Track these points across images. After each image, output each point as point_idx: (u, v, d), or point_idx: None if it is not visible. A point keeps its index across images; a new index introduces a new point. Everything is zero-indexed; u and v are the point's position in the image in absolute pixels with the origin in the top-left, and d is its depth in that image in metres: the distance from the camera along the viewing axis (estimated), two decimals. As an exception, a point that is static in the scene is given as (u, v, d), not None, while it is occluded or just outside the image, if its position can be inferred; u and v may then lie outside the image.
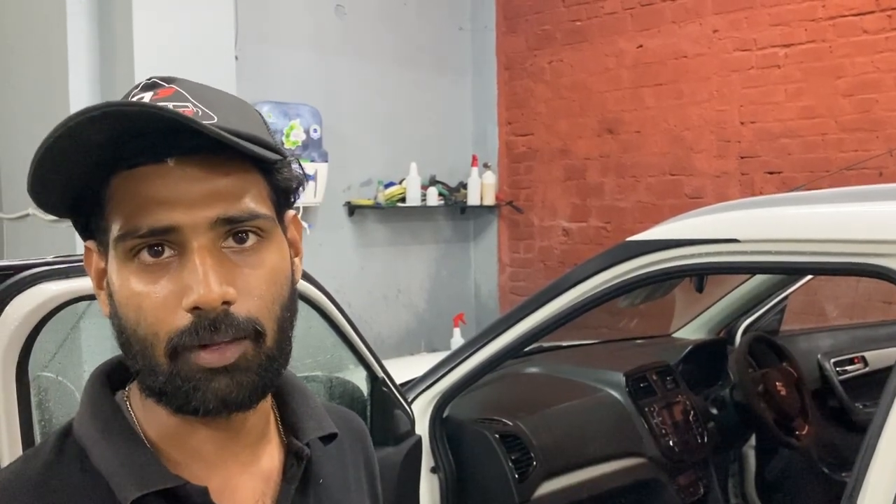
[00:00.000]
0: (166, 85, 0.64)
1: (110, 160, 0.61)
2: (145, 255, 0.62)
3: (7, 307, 1.05)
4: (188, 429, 0.66)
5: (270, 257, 0.65)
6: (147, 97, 0.63)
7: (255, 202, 0.64)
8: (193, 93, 0.64)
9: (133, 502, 0.62)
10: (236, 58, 3.29)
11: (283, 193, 0.68)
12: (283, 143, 3.60)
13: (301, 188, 0.70)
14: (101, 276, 0.67)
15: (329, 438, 0.75)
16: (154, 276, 0.62)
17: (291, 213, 0.71)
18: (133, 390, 0.69)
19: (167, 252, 0.62)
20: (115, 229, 0.62)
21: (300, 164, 0.70)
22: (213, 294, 0.60)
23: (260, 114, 0.70)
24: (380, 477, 0.89)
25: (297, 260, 0.71)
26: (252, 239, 0.64)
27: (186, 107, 0.62)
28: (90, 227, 0.66)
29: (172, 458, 0.67)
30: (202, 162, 0.62)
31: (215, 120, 0.61)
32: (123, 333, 0.64)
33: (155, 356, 0.62)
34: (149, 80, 0.65)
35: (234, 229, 0.63)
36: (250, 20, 3.79)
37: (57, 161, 0.59)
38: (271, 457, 0.72)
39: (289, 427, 0.74)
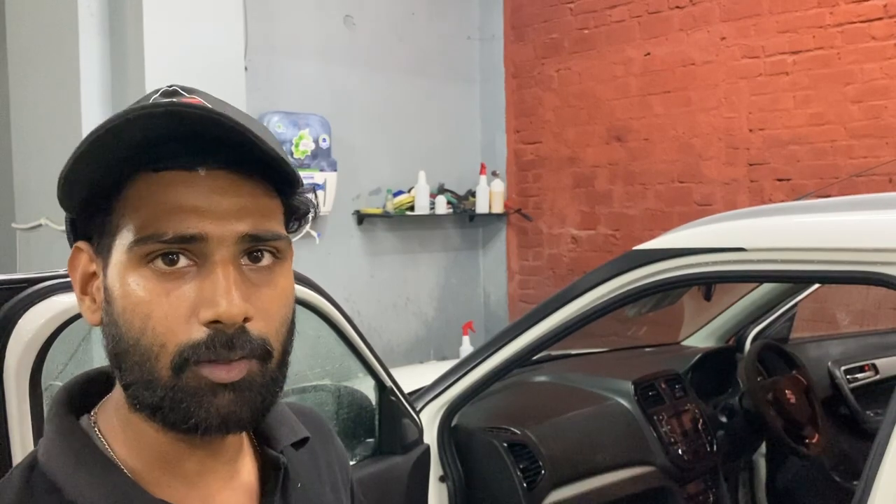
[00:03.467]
0: (187, 95, 0.63)
1: (136, 160, 0.60)
2: (160, 263, 0.60)
3: (21, 319, 1.06)
4: (170, 448, 0.64)
5: (283, 279, 0.65)
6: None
7: (275, 222, 0.64)
8: (217, 106, 0.62)
9: None
10: (246, 68, 3.32)
11: (291, 218, 0.68)
12: (291, 153, 3.58)
13: (313, 215, 0.70)
14: (88, 280, 0.65)
15: (301, 443, 0.74)
16: (167, 285, 0.60)
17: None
18: (103, 412, 0.66)
19: (183, 261, 0.60)
20: (128, 232, 0.60)
21: (315, 192, 0.70)
22: (235, 309, 0.59)
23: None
24: (388, 485, 0.90)
25: None
26: (267, 259, 0.63)
27: (228, 116, 0.60)
28: (90, 226, 0.63)
29: (152, 479, 0.64)
30: (230, 175, 0.61)
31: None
32: (121, 342, 0.61)
33: (156, 368, 0.59)
34: (169, 87, 0.64)
35: (255, 247, 0.62)
36: (259, 31, 3.83)
37: (97, 154, 0.58)
38: (249, 469, 0.70)
39: (260, 435, 0.72)
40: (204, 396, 0.60)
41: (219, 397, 0.60)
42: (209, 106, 0.60)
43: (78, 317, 1.09)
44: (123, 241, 0.60)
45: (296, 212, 0.68)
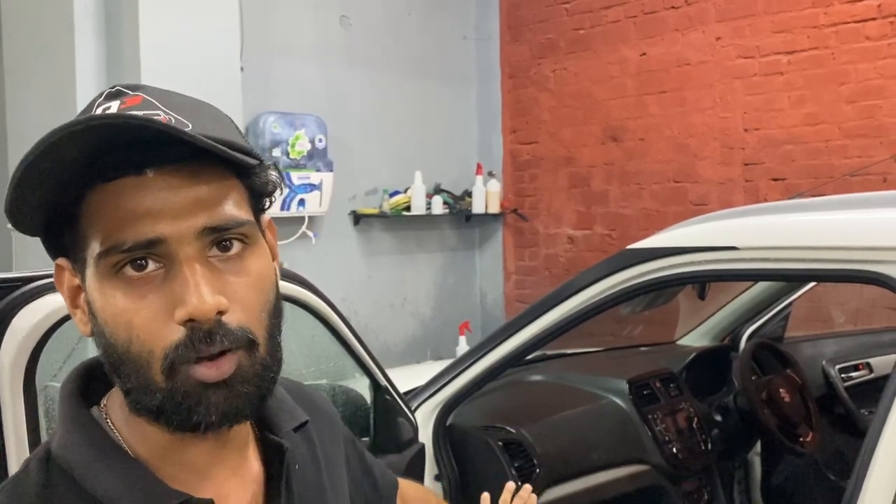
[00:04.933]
0: (132, 93, 0.62)
1: (85, 175, 0.59)
2: (129, 270, 0.60)
3: (15, 318, 1.07)
4: (180, 443, 0.64)
5: (256, 264, 0.64)
6: (114, 106, 0.61)
7: (237, 208, 0.63)
8: (162, 100, 0.62)
9: None
10: (242, 69, 3.32)
11: (260, 198, 0.67)
12: (287, 153, 3.59)
13: (279, 192, 0.69)
14: (76, 294, 0.65)
15: (300, 426, 0.76)
16: (140, 290, 0.60)
17: (267, 217, 0.70)
18: (112, 406, 0.67)
19: (151, 265, 0.60)
20: (94, 245, 0.60)
21: (277, 168, 0.69)
22: (206, 305, 0.59)
23: (229, 117, 0.68)
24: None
25: (274, 264, 0.70)
26: (236, 246, 0.63)
27: (158, 115, 0.60)
28: (62, 244, 0.64)
29: (165, 472, 0.65)
30: (181, 171, 0.60)
31: (190, 127, 0.60)
32: (114, 352, 0.61)
33: (150, 374, 0.60)
34: (112, 88, 0.64)
35: (220, 237, 0.62)
36: (256, 31, 3.83)
37: (35, 180, 0.57)
38: (253, 456, 0.72)
39: (261, 421, 0.74)
40: (200, 396, 0.60)
41: (214, 395, 0.61)
42: (137, 110, 0.59)
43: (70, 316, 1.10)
44: (92, 254, 0.61)
45: (261, 191, 0.67)
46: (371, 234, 4.53)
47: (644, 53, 4.30)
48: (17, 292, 1.09)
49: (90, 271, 0.62)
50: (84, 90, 3.06)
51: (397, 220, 4.54)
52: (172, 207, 0.60)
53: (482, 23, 4.97)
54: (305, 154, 3.95)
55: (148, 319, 0.60)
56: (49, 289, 1.10)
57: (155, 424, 0.62)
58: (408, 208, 4.49)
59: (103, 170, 0.60)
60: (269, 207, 0.69)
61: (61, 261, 0.65)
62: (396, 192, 4.50)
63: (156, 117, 0.59)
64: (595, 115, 4.51)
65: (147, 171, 0.60)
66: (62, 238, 0.63)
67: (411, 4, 4.66)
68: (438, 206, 4.59)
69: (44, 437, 1.11)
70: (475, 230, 5.03)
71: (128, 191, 0.60)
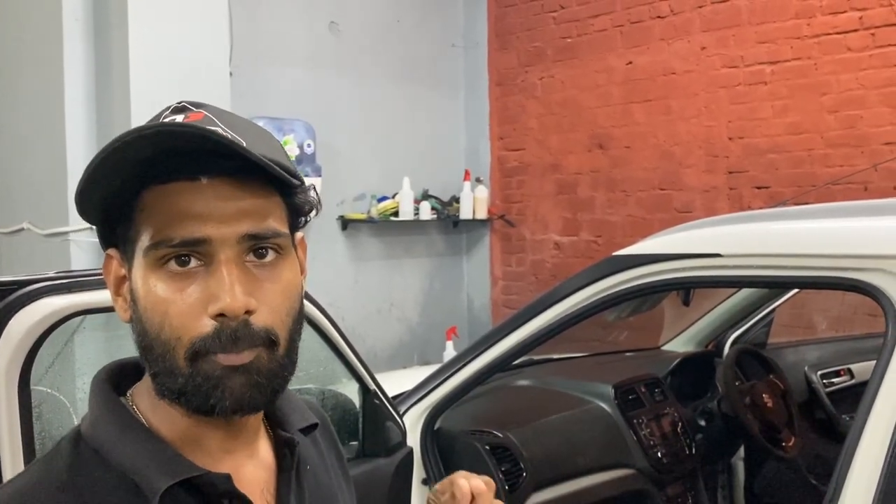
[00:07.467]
0: (195, 109, 0.69)
1: (145, 174, 0.66)
2: (173, 264, 0.67)
3: (11, 321, 1.08)
4: (197, 428, 0.70)
5: (286, 273, 0.70)
6: (178, 119, 0.68)
7: (276, 221, 0.70)
8: (221, 118, 0.69)
9: (162, 494, 0.66)
10: (231, 74, 3.32)
11: (297, 216, 0.74)
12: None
13: (315, 212, 0.75)
14: (120, 283, 0.72)
15: (310, 428, 0.81)
16: (180, 284, 0.66)
17: (299, 235, 0.76)
18: (138, 394, 0.73)
19: (193, 262, 0.67)
20: (145, 239, 0.67)
21: (315, 191, 0.76)
22: (237, 303, 0.65)
23: (279, 141, 0.75)
24: (372, 487, 0.95)
25: (302, 278, 0.75)
26: (271, 255, 0.69)
27: (217, 130, 0.66)
28: (115, 235, 0.70)
29: (184, 452, 0.70)
30: (231, 182, 0.67)
31: (244, 144, 0.66)
32: (146, 337, 0.68)
33: (176, 359, 0.66)
34: (178, 104, 0.70)
35: (257, 245, 0.68)
36: (245, 37, 3.84)
37: (104, 174, 0.65)
38: (266, 449, 0.77)
39: (274, 420, 0.79)
40: (219, 380, 0.66)
41: (232, 380, 0.66)
42: (199, 125, 0.66)
43: (68, 318, 1.11)
44: (141, 246, 0.68)
45: (299, 210, 0.74)
46: (359, 239, 4.55)
47: (630, 62, 4.34)
48: (14, 295, 1.10)
49: (137, 262, 0.68)
50: (72, 96, 3.05)
51: (385, 225, 4.55)
52: (220, 213, 0.67)
53: (470, 30, 5.00)
54: (294, 159, 3.96)
55: (182, 310, 0.66)
56: (45, 293, 1.11)
57: (176, 406, 0.68)
58: (396, 214, 4.50)
59: (162, 172, 0.67)
60: (304, 226, 0.76)
61: (111, 251, 0.72)
62: (384, 198, 4.51)
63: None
64: (581, 122, 4.55)
65: (201, 178, 0.67)
66: (116, 230, 0.70)
67: (400, 11, 4.68)
68: (426, 212, 4.61)
69: (37, 440, 1.11)
70: (462, 236, 5.06)
71: (181, 193, 0.67)
